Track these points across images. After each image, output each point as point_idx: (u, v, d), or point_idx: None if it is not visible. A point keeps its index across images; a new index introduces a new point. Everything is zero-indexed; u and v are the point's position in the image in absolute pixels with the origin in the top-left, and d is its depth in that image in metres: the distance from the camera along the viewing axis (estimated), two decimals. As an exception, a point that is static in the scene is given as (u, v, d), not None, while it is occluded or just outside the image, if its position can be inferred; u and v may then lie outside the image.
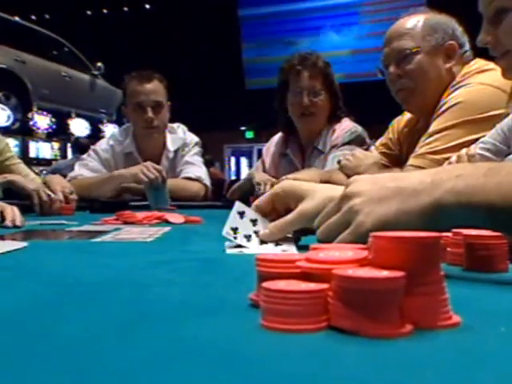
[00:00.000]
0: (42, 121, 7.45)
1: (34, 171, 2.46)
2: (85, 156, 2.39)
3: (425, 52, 1.57)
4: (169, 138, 2.35)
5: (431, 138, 1.49)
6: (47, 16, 11.61)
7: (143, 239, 0.92)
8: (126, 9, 12.16)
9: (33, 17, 10.94)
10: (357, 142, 2.08)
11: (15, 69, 6.96)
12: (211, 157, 6.69)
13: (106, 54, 9.39)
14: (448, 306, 0.36)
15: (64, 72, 8.08)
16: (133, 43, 10.76)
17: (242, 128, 12.31)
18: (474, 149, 1.25)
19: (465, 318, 0.36)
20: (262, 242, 0.75)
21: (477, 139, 1.33)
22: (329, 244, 0.52)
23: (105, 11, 12.23)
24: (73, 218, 1.44)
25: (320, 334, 0.33)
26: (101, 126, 8.54)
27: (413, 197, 0.55)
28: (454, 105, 1.48)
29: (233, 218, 0.78)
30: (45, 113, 7.49)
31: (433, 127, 1.51)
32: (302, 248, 0.71)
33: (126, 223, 1.23)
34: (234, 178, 11.39)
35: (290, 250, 0.72)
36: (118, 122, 7.80)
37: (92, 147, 2.41)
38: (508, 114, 1.25)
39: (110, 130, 7.84)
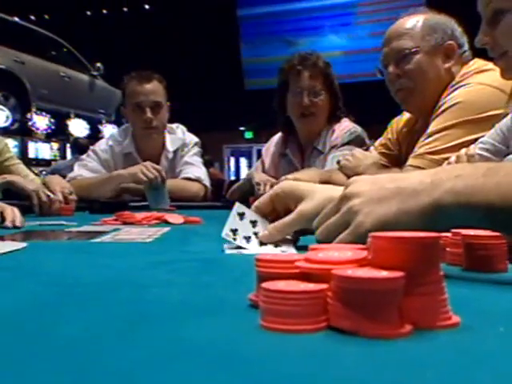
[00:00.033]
0: (41, 121, 7.45)
1: (33, 172, 2.46)
2: (84, 156, 2.39)
3: (424, 52, 1.57)
4: (168, 138, 2.35)
5: (430, 138, 1.50)
6: (46, 16, 11.61)
7: (142, 240, 0.92)
8: (125, 9, 12.16)
9: (32, 17, 10.94)
10: (356, 142, 2.08)
11: (14, 69, 6.96)
12: (210, 157, 6.69)
13: (105, 54, 9.39)
14: (447, 306, 0.36)
15: (63, 72, 8.07)
16: (132, 43, 10.76)
17: (242, 128, 12.31)
18: (474, 149, 1.25)
19: (464, 318, 0.36)
20: (262, 243, 0.75)
21: (476, 139, 1.33)
22: (328, 244, 0.52)
23: (104, 12, 12.23)
24: (72, 218, 1.44)
25: (319, 335, 0.33)
26: (100, 127, 8.54)
27: (412, 197, 0.55)
28: (453, 105, 1.48)
29: (232, 220, 0.78)
30: (44, 113, 7.49)
31: (432, 127, 1.51)
32: (301, 248, 0.71)
33: (125, 224, 1.23)
34: (233, 178, 11.40)
35: (289, 251, 0.72)
36: (117, 123, 7.80)
37: (91, 148, 2.41)
38: (507, 114, 1.26)
39: (109, 130, 7.84)
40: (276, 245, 0.74)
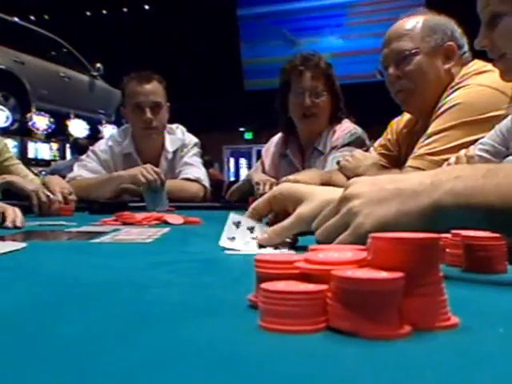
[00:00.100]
0: (40, 121, 7.45)
1: (32, 172, 2.46)
2: (84, 157, 2.39)
3: (424, 53, 1.57)
4: (168, 138, 2.35)
5: (430, 139, 1.50)
6: (46, 17, 11.61)
7: (142, 240, 0.92)
8: (125, 9, 12.16)
9: (32, 17, 10.94)
10: (357, 143, 2.08)
11: (14, 69, 6.96)
12: (210, 158, 6.70)
13: (105, 54, 9.39)
14: (447, 307, 0.36)
15: (63, 73, 8.07)
16: (132, 44, 10.76)
17: (241, 129, 12.31)
18: (473, 150, 1.26)
19: (463, 319, 0.36)
20: (261, 246, 0.75)
21: (475, 140, 1.33)
22: (328, 245, 0.53)
23: (104, 12, 12.23)
24: (72, 218, 1.44)
25: (319, 335, 0.33)
26: (100, 127, 8.54)
27: (412, 198, 0.55)
28: (453, 106, 1.48)
29: (228, 229, 0.79)
30: (43, 113, 7.49)
31: (431, 128, 1.52)
32: (301, 249, 0.71)
33: (125, 224, 1.23)
34: (233, 179, 11.40)
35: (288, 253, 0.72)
36: (117, 123, 7.80)
37: (91, 148, 2.41)
38: (507, 116, 1.26)
39: (108, 130, 7.84)
40: (275, 247, 0.74)
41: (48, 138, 7.70)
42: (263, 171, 2.32)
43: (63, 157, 7.73)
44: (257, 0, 11.76)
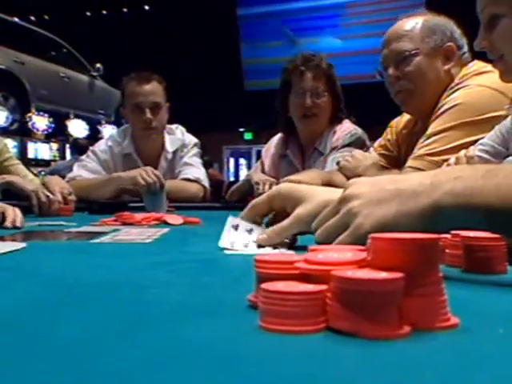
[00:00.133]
0: (40, 121, 7.45)
1: (32, 172, 2.46)
2: (83, 157, 2.39)
3: (423, 54, 1.58)
4: (167, 139, 2.35)
5: (430, 140, 1.50)
6: (46, 17, 11.61)
7: (142, 240, 0.92)
8: (125, 10, 12.16)
9: (32, 17, 10.95)
10: (357, 144, 2.08)
11: (14, 69, 6.96)
12: (210, 158, 6.70)
13: (104, 54, 9.39)
14: (446, 308, 0.36)
15: (63, 73, 8.08)
16: (132, 44, 10.76)
17: (241, 129, 12.32)
18: (473, 150, 1.26)
19: (463, 319, 0.36)
20: (260, 247, 0.76)
21: (475, 141, 1.33)
22: (327, 245, 0.53)
23: (104, 12, 12.23)
24: (71, 218, 1.44)
25: (318, 336, 0.33)
26: (99, 127, 8.54)
27: (412, 199, 0.55)
28: (453, 106, 1.48)
29: (227, 232, 0.79)
30: (43, 114, 7.49)
31: (431, 129, 1.52)
32: (301, 249, 0.71)
33: (124, 224, 1.23)
34: (232, 179, 11.40)
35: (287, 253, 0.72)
36: (117, 123, 7.80)
37: (91, 148, 2.41)
38: (507, 116, 1.26)
39: (108, 131, 7.84)
40: (274, 247, 0.75)
41: (48, 138, 7.71)
42: (263, 171, 2.32)
43: (63, 157, 7.73)
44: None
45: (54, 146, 7.88)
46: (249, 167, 11.86)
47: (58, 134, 7.87)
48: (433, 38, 1.58)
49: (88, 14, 12.18)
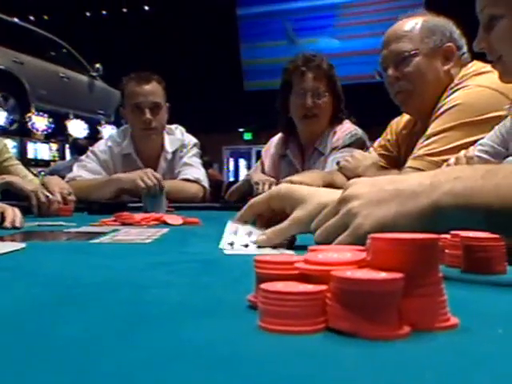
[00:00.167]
0: (40, 122, 7.46)
1: (32, 172, 2.46)
2: (83, 157, 2.39)
3: (423, 54, 1.58)
4: (167, 139, 2.35)
5: (429, 140, 1.50)
6: (46, 17, 11.61)
7: (141, 240, 0.92)
8: (124, 10, 12.16)
9: (31, 18, 10.94)
10: (357, 144, 2.08)
11: (13, 70, 6.96)
12: (209, 158, 6.70)
13: (104, 55, 9.39)
14: (446, 308, 0.36)
15: (62, 73, 8.08)
16: (131, 44, 10.76)
17: (241, 129, 12.32)
18: (473, 151, 1.26)
19: (462, 319, 0.36)
20: (260, 247, 0.76)
21: (475, 141, 1.33)
22: (327, 245, 0.53)
23: (104, 12, 12.23)
24: (71, 219, 1.44)
25: (318, 336, 0.33)
26: (99, 128, 8.55)
27: (411, 199, 0.55)
28: (452, 107, 1.48)
29: (227, 236, 0.81)
30: (43, 114, 7.49)
31: (431, 129, 1.52)
32: (301, 249, 0.71)
33: (124, 224, 1.23)
34: (232, 179, 11.39)
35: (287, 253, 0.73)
36: (116, 124, 7.81)
37: (90, 148, 2.41)
38: (506, 116, 1.26)
39: (108, 131, 7.85)
40: (273, 247, 0.75)
41: (47, 138, 7.71)
42: (263, 171, 2.32)
43: (63, 157, 7.74)
44: (256, -1, 11.78)
45: (54, 146, 7.88)
46: (248, 167, 11.86)
47: (57, 134, 7.87)
48: (432, 39, 1.58)
49: (88, 14, 12.18)
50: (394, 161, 1.80)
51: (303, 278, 0.37)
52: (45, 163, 7.29)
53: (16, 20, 7.96)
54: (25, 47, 7.28)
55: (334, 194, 0.67)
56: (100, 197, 1.96)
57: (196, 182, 2.27)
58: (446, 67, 1.59)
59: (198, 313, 0.40)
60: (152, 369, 0.27)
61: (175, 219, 1.30)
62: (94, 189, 2.05)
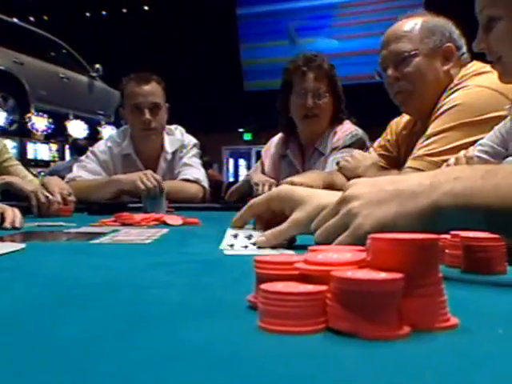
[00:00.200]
0: (39, 122, 7.46)
1: (31, 173, 2.46)
2: (83, 158, 2.39)
3: (423, 54, 1.58)
4: (167, 139, 2.35)
5: (429, 140, 1.50)
6: (46, 17, 11.61)
7: (141, 241, 0.92)
8: (124, 10, 12.16)
9: (31, 18, 10.94)
10: (358, 145, 2.08)
11: (13, 70, 6.96)
12: (209, 159, 6.70)
13: (104, 55, 9.40)
14: (446, 308, 0.36)
15: (62, 73, 8.08)
16: (131, 45, 10.77)
17: (241, 130, 12.32)
18: (472, 151, 1.26)
19: (463, 320, 0.36)
20: (259, 248, 0.77)
21: (475, 141, 1.33)
22: (327, 246, 0.53)
23: (103, 13, 12.23)
24: (71, 219, 1.44)
25: (318, 336, 0.33)
26: (99, 128, 8.55)
27: (411, 199, 0.55)
28: (452, 107, 1.48)
29: (228, 239, 0.82)
30: (43, 114, 7.49)
31: (431, 129, 1.52)
32: (300, 249, 0.71)
33: (124, 225, 1.23)
34: (232, 179, 11.40)
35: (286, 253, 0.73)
36: (116, 124, 7.81)
37: (90, 149, 2.41)
38: (506, 117, 1.26)
39: (107, 131, 7.85)
40: (273, 248, 0.76)
41: (47, 138, 7.71)
42: (263, 172, 2.32)
43: (62, 157, 7.74)
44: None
45: (54, 146, 7.88)
46: (248, 168, 11.86)
47: (57, 134, 7.87)
48: (432, 39, 1.58)
49: (87, 14, 12.18)
50: (394, 161, 1.80)
51: (303, 278, 0.37)
52: (44, 164, 7.29)
53: (16, 20, 7.96)
54: (25, 48, 7.28)
55: (333, 196, 0.67)
56: (100, 197, 1.96)
57: (196, 182, 2.27)
58: (445, 67, 1.59)
59: (198, 313, 0.40)
60: (152, 369, 0.27)
61: (175, 219, 1.30)
62: (93, 189, 2.05)
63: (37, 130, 7.40)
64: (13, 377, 0.26)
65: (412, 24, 1.60)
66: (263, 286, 0.35)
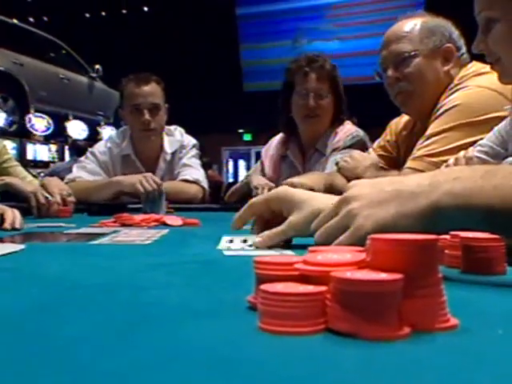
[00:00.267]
0: (39, 123, 7.45)
1: (31, 173, 2.46)
2: (83, 158, 2.39)
3: (423, 55, 1.58)
4: (166, 140, 2.35)
5: (429, 141, 1.50)
6: (45, 18, 11.61)
7: (141, 241, 0.92)
8: (124, 11, 12.16)
9: (31, 19, 10.94)
10: (358, 146, 2.08)
11: (13, 71, 6.96)
12: (209, 159, 6.70)
13: (104, 56, 9.39)
14: (446, 309, 0.36)
15: (62, 74, 8.08)
16: (131, 45, 10.77)
17: (240, 130, 12.32)
18: (472, 151, 1.26)
19: (462, 320, 0.36)
20: (256, 248, 0.79)
21: (475, 142, 1.33)
22: (327, 246, 0.53)
23: (103, 14, 12.23)
24: (71, 220, 1.44)
25: (318, 337, 0.33)
26: (98, 129, 8.54)
27: (411, 200, 0.55)
28: (452, 107, 1.48)
29: (224, 243, 0.84)
30: (42, 115, 7.49)
31: (430, 130, 1.52)
32: (300, 249, 0.71)
33: (124, 225, 1.23)
34: (231, 180, 11.40)
35: (284, 253, 0.74)
36: (116, 125, 7.80)
37: (90, 149, 2.41)
38: (506, 117, 1.26)
39: (107, 132, 7.84)
40: (270, 248, 0.77)
41: (47, 139, 7.71)
42: (262, 172, 2.32)
43: (62, 158, 7.73)
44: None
45: (53, 147, 7.87)
46: (248, 168, 11.86)
47: (57, 135, 7.86)
48: (432, 39, 1.58)
49: (87, 15, 12.18)
50: (394, 161, 1.80)
51: (303, 278, 0.37)
52: (44, 164, 7.28)
53: (15, 21, 7.95)
54: (24, 48, 7.28)
55: (331, 200, 0.67)
56: (100, 198, 1.96)
57: (195, 182, 2.27)
58: (445, 68, 1.59)
59: (198, 314, 0.40)
60: (152, 369, 0.27)
61: (175, 220, 1.30)
62: (93, 190, 2.05)
63: (36, 131, 7.40)
64: (13, 377, 0.26)
65: (412, 24, 1.60)
66: (263, 287, 0.35)
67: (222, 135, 11.34)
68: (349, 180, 0.67)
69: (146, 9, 12.09)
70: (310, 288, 0.35)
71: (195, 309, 0.42)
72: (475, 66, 1.56)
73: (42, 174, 5.03)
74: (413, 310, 0.34)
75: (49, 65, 7.88)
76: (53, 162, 7.41)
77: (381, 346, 0.31)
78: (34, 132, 7.36)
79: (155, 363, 0.28)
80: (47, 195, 1.57)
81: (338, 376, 0.27)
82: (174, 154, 2.34)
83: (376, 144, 1.92)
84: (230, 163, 13.30)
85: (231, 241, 0.87)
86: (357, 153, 1.83)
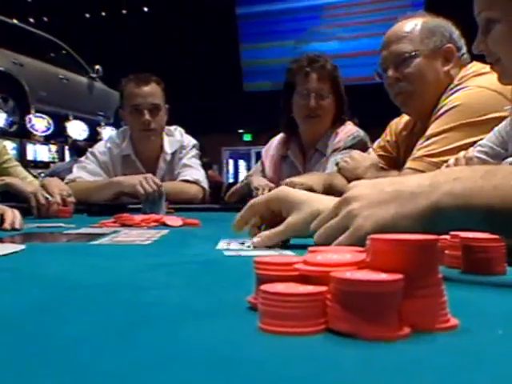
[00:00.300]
0: (39, 123, 7.45)
1: (31, 174, 2.46)
2: (83, 158, 2.39)
3: (423, 55, 1.58)
4: (166, 140, 2.35)
5: (429, 141, 1.50)
6: (45, 19, 11.61)
7: (141, 242, 0.92)
8: (124, 11, 12.16)
9: (31, 19, 10.95)
10: (358, 146, 2.08)
11: (13, 71, 6.96)
12: (209, 159, 6.70)
13: (104, 56, 9.40)
14: (446, 309, 0.36)
15: (62, 74, 8.08)
16: (131, 46, 10.77)
17: (240, 131, 12.32)
18: (472, 152, 1.26)
19: (462, 320, 0.36)
20: (255, 248, 0.79)
21: (475, 142, 1.33)
22: (327, 246, 0.53)
23: (103, 14, 12.23)
24: (71, 220, 1.44)
25: (318, 337, 0.33)
26: (98, 129, 8.54)
27: (411, 200, 0.55)
28: (452, 108, 1.48)
29: (222, 245, 0.85)
30: (42, 115, 7.49)
31: (431, 130, 1.52)
32: (300, 249, 0.71)
33: (124, 226, 1.23)
34: (231, 180, 11.41)
35: (284, 253, 0.74)
36: (116, 125, 7.80)
37: (90, 150, 2.41)
38: (506, 117, 1.26)
39: (107, 132, 7.84)
40: (268, 248, 0.78)
41: (47, 139, 7.70)
42: (263, 172, 2.32)
43: (62, 159, 7.72)
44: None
45: (53, 147, 7.87)
46: (248, 169, 11.86)
47: (57, 135, 7.86)
48: (432, 40, 1.58)
49: (87, 15, 12.19)
50: (394, 162, 1.80)
51: (303, 279, 0.37)
52: (44, 165, 7.28)
53: (16, 22, 7.95)
54: (24, 49, 7.28)
55: (330, 202, 0.67)
56: (100, 199, 1.96)
57: (195, 183, 2.27)
58: (445, 68, 1.59)
59: (198, 314, 0.40)
60: (152, 369, 0.27)
61: (175, 220, 1.30)
62: (93, 191, 2.05)
63: (36, 131, 7.40)
64: (13, 377, 0.26)
65: (412, 25, 1.60)
66: (263, 287, 0.35)
67: (222, 135, 11.34)
68: (349, 180, 0.67)
69: (145, 9, 12.09)
70: (310, 288, 0.35)
71: (195, 309, 0.42)
72: (475, 66, 1.56)
73: (42, 175, 5.03)
74: (413, 310, 0.34)
75: (49, 65, 7.88)
76: (53, 163, 7.41)
77: (381, 346, 0.31)
78: (34, 132, 7.36)
79: (155, 363, 0.28)
80: (47, 195, 1.57)
81: (339, 376, 0.27)
82: (174, 154, 2.34)
83: (376, 144, 1.92)
84: (230, 163, 13.30)
85: (229, 243, 0.87)
86: (357, 153, 1.83)
